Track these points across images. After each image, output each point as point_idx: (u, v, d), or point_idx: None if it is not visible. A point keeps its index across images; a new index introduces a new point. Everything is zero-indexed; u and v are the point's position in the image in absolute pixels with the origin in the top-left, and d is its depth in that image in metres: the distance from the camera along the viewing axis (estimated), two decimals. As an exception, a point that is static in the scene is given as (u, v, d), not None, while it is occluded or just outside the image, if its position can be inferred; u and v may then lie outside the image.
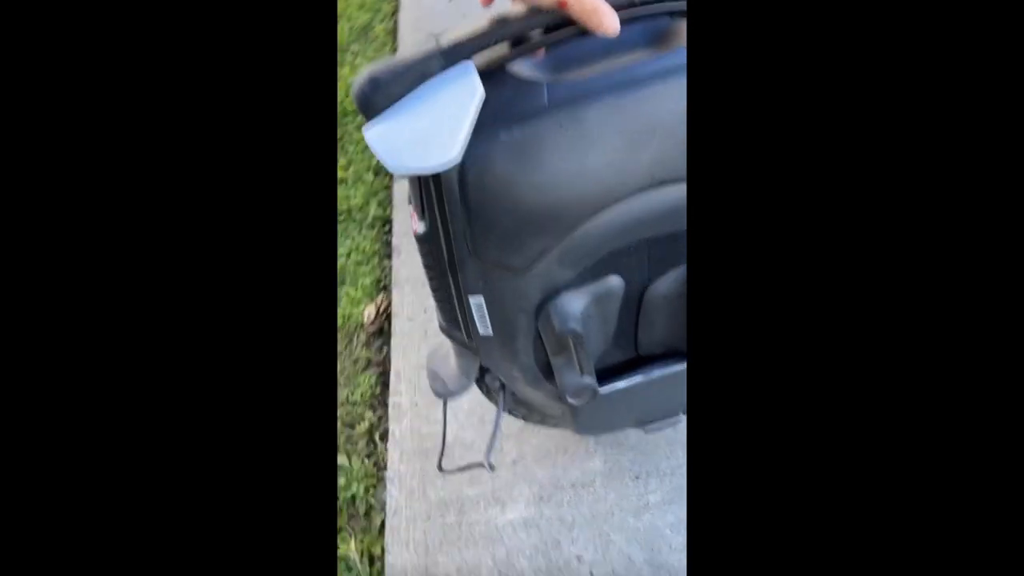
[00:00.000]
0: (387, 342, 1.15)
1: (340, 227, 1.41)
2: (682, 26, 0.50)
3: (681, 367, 0.65)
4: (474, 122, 0.46)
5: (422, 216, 0.53)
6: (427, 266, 0.56)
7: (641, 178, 0.49)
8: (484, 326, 0.59)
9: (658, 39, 0.51)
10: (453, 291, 0.57)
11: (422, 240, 0.54)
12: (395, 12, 2.00)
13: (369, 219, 1.41)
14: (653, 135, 0.48)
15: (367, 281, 1.27)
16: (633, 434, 0.92)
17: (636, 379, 0.65)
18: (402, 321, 1.15)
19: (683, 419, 0.79)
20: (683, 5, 0.49)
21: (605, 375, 0.66)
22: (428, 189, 0.51)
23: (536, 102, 0.48)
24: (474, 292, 0.56)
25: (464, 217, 0.51)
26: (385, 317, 1.20)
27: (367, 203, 1.44)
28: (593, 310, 0.58)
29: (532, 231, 0.51)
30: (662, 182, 0.50)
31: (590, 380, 0.61)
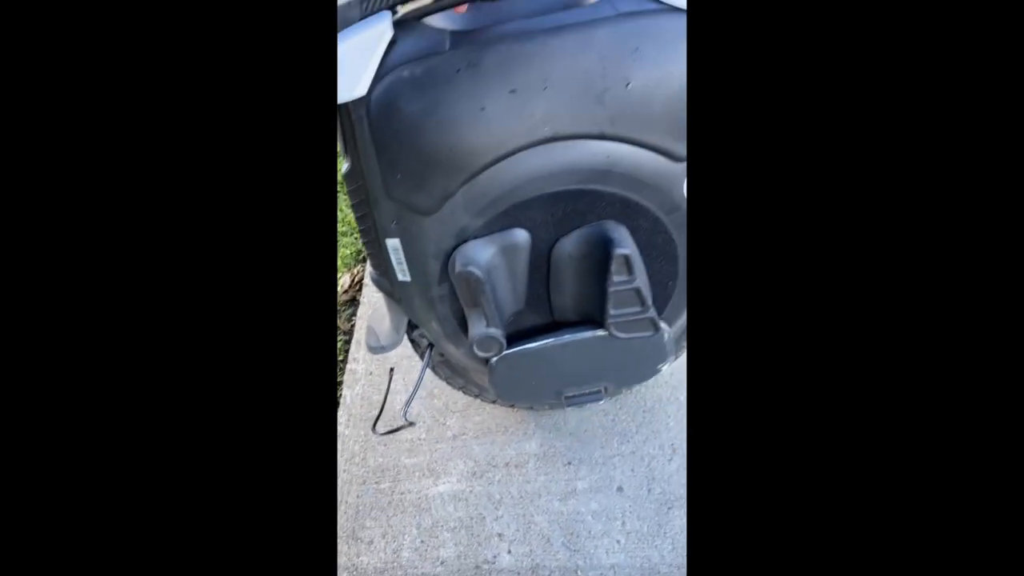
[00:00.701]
0: (356, 311, 1.17)
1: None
2: None
3: (593, 334, 0.64)
4: (379, 61, 0.50)
5: (345, 154, 0.55)
6: (353, 206, 0.58)
7: (536, 130, 0.51)
8: (402, 271, 0.61)
9: (572, 2, 0.52)
10: (374, 234, 0.59)
11: (346, 178, 0.56)
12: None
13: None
14: (545, 87, 0.49)
15: (347, 252, 1.30)
16: (572, 420, 0.92)
17: (547, 342, 0.65)
18: (371, 290, 1.17)
19: (606, 397, 0.78)
20: None
21: (521, 337, 0.66)
22: (345, 127, 0.53)
23: (438, 47, 0.49)
24: (391, 235, 0.58)
25: (374, 154, 0.53)
26: (358, 287, 1.22)
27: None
28: (499, 260, 0.58)
29: (434, 171, 0.52)
30: (557, 136, 0.51)
31: (496, 332, 0.61)
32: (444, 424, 0.96)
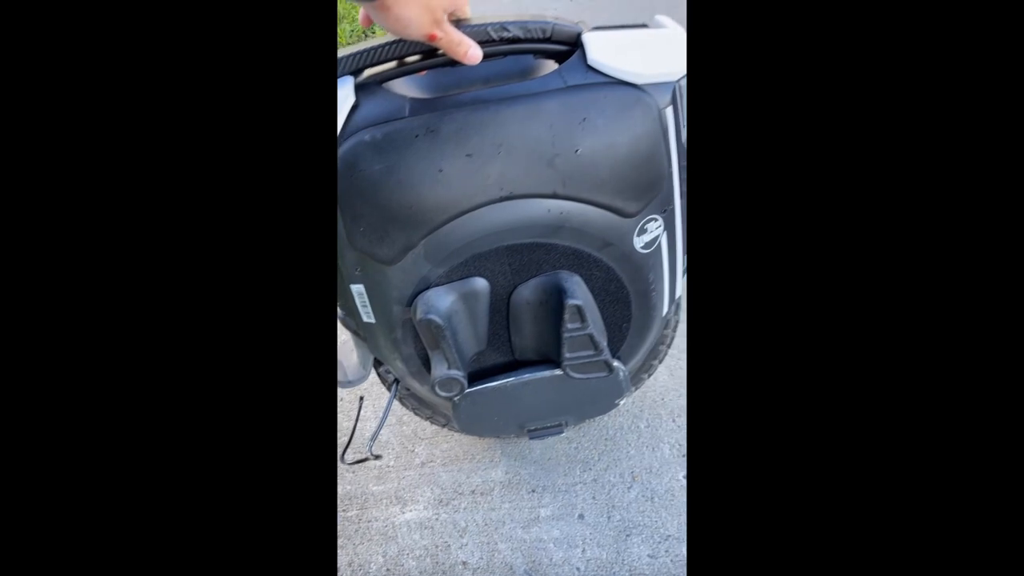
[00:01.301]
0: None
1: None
2: (546, 64, 0.55)
3: (551, 373, 0.67)
4: (342, 124, 0.53)
5: None
6: None
7: (491, 190, 0.54)
8: (367, 314, 0.64)
9: (526, 72, 0.55)
10: (339, 279, 0.61)
11: None
12: (397, 20, 2.06)
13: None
14: (499, 152, 0.52)
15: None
16: (537, 448, 0.94)
17: (507, 380, 0.68)
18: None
19: (568, 429, 0.81)
20: (546, 47, 0.55)
21: (484, 375, 0.69)
22: None
23: (398, 113, 0.52)
24: (355, 281, 0.61)
25: (338, 208, 0.55)
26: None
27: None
28: (459, 306, 0.61)
29: (395, 226, 0.55)
30: (511, 196, 0.54)
31: (457, 373, 0.64)
32: (412, 451, 0.97)
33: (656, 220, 0.60)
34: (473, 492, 0.92)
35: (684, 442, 0.91)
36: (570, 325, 0.61)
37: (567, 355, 0.64)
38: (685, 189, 0.63)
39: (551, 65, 0.55)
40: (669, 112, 0.55)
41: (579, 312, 0.59)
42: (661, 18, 0.58)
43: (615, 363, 0.68)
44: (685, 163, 0.61)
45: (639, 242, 0.61)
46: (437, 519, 0.90)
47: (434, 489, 0.93)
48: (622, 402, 0.77)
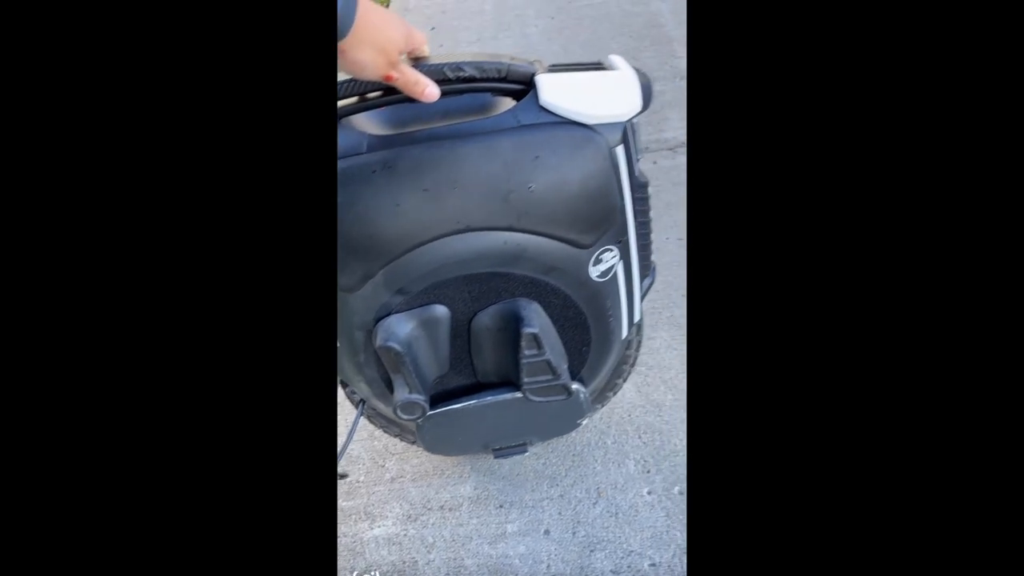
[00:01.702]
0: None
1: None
2: (503, 101, 0.57)
3: (512, 395, 0.69)
4: None
5: None
6: None
7: (448, 223, 0.56)
8: None
9: (483, 108, 0.57)
10: None
11: None
12: (380, 33, 2.08)
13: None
14: (455, 187, 0.54)
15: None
16: (506, 463, 0.96)
17: (469, 403, 0.70)
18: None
19: (533, 448, 0.83)
20: (502, 86, 0.57)
21: (447, 397, 0.71)
22: None
23: (357, 148, 0.54)
24: None
25: None
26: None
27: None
28: (419, 332, 0.63)
29: (355, 256, 0.57)
30: (468, 228, 0.56)
31: (418, 397, 0.65)
32: (383, 467, 0.99)
33: (611, 250, 0.63)
34: (442, 507, 0.93)
35: (649, 458, 0.93)
36: (527, 352, 0.63)
37: (526, 380, 0.66)
38: (640, 220, 0.65)
39: (508, 102, 0.57)
40: (620, 150, 0.57)
41: (535, 339, 0.61)
42: (614, 58, 0.60)
43: (575, 386, 0.70)
44: (639, 196, 0.63)
45: (594, 271, 0.63)
46: (405, 535, 0.91)
47: (403, 505, 0.94)
48: (584, 422, 0.79)
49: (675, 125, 1.46)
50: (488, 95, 0.58)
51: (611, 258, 0.63)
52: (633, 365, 0.86)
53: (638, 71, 0.59)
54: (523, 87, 0.56)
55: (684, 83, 1.55)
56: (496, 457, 0.82)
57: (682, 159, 1.39)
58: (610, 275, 0.65)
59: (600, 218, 0.59)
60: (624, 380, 0.87)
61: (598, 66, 0.61)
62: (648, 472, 0.92)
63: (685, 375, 1.02)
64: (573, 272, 0.61)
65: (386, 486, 0.96)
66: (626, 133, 0.58)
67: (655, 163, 1.39)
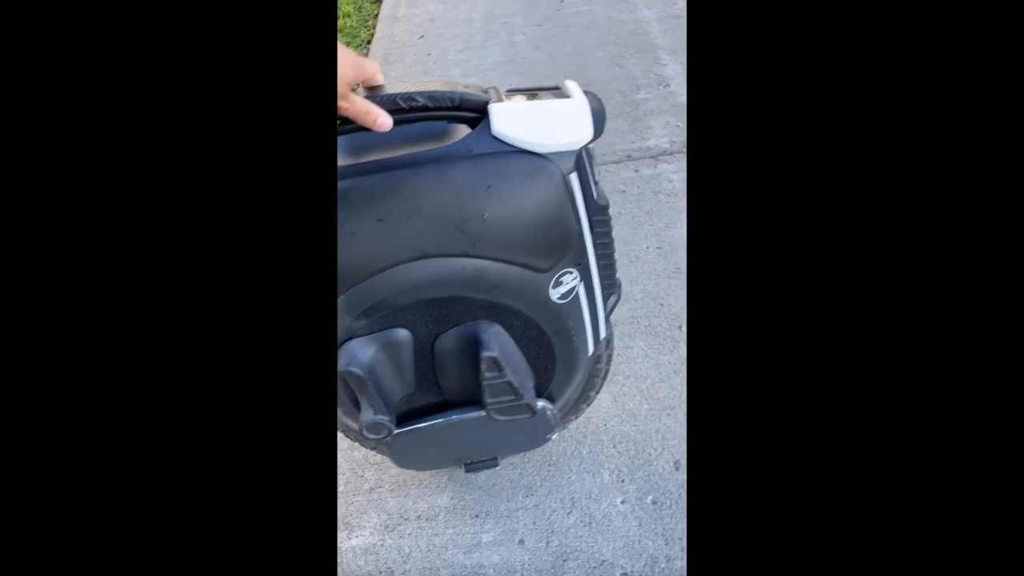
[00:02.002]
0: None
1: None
2: (458, 128, 0.58)
3: (479, 414, 0.70)
4: None
5: None
6: None
7: (404, 251, 0.57)
8: None
9: (440, 135, 0.58)
10: None
11: None
12: (370, 41, 2.10)
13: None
14: (409, 216, 0.55)
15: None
16: (483, 473, 0.97)
17: (436, 422, 0.71)
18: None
19: (510, 458, 0.84)
20: (456, 114, 0.58)
21: (414, 415, 0.72)
22: None
23: None
24: None
25: None
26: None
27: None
28: (382, 355, 0.64)
29: None
30: (424, 255, 0.57)
31: (382, 419, 0.67)
32: (362, 476, 1.00)
33: (571, 272, 0.64)
34: (419, 517, 0.94)
35: (623, 468, 0.94)
36: (488, 374, 0.64)
37: (489, 400, 0.67)
38: (600, 242, 0.66)
39: (464, 129, 0.58)
40: (574, 177, 0.58)
41: (494, 363, 0.62)
42: (569, 84, 0.61)
43: (540, 404, 0.71)
44: (599, 218, 0.64)
45: (555, 293, 0.64)
46: (382, 545, 0.92)
47: (381, 515, 0.95)
48: (554, 436, 0.80)
49: (658, 134, 1.47)
50: (444, 123, 0.59)
51: (571, 280, 0.64)
52: (605, 378, 0.87)
53: (591, 95, 0.60)
54: (478, 115, 0.57)
55: (668, 91, 1.57)
56: (467, 471, 0.83)
57: (664, 167, 1.40)
58: (571, 296, 0.66)
59: (556, 243, 0.60)
60: (597, 392, 0.88)
61: (555, 89, 0.62)
62: (622, 482, 0.93)
63: (661, 384, 1.03)
64: (533, 295, 0.62)
65: (364, 496, 0.98)
66: (580, 159, 0.59)
67: (636, 171, 1.40)
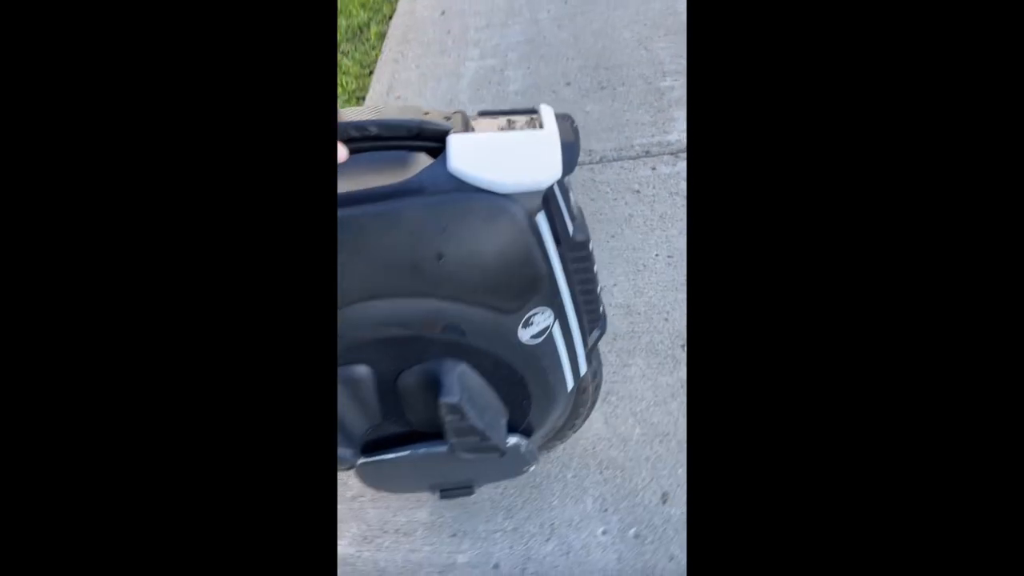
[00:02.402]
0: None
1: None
2: (419, 159, 0.53)
3: (446, 447, 0.67)
4: None
5: None
6: None
7: (355, 291, 0.54)
8: None
9: (397, 168, 0.54)
10: None
11: None
12: (392, 17, 2.02)
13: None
14: (358, 255, 0.51)
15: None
16: (463, 492, 0.95)
17: (402, 454, 0.68)
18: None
19: (479, 489, 0.81)
20: (414, 144, 0.53)
21: (383, 443, 0.70)
22: None
23: None
24: None
25: None
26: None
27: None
28: (343, 390, 0.61)
29: None
30: (377, 295, 0.53)
31: (344, 451, 0.65)
32: (345, 484, 0.99)
33: (543, 312, 0.59)
34: (397, 531, 0.93)
35: (608, 496, 0.91)
36: (449, 418, 0.60)
37: (454, 440, 0.64)
38: (581, 278, 0.61)
39: (424, 160, 0.53)
40: (541, 217, 0.53)
41: (454, 408, 0.59)
42: (543, 110, 0.55)
43: (513, 440, 0.68)
44: (577, 255, 0.59)
45: (525, 334, 0.60)
46: (359, 557, 0.92)
47: (360, 525, 0.95)
48: (532, 468, 0.77)
49: (681, 127, 1.37)
50: (404, 152, 0.54)
51: (544, 320, 0.60)
52: (593, 405, 0.83)
53: (566, 122, 0.54)
54: (439, 145, 0.52)
55: (696, 79, 1.46)
56: (442, 498, 0.81)
57: (684, 165, 1.31)
58: (545, 336, 0.61)
59: (523, 286, 0.56)
60: (584, 419, 0.84)
61: (531, 113, 0.56)
62: (605, 511, 0.90)
63: (656, 408, 0.98)
64: (500, 336, 0.58)
65: (346, 504, 0.97)
66: (550, 196, 0.54)
67: (654, 169, 1.31)
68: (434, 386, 0.61)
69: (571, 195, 0.58)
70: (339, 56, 1.94)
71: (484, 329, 0.58)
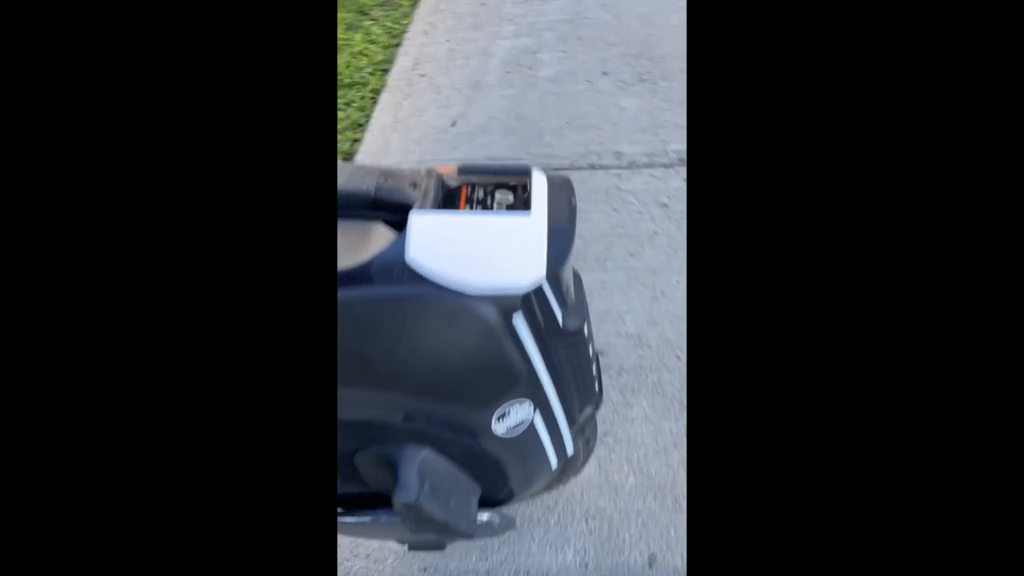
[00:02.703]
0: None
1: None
2: (375, 230, 0.45)
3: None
4: None
5: None
6: None
7: None
8: None
9: (354, 243, 0.46)
10: None
11: None
12: (427, -20, 1.90)
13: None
14: None
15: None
16: (440, 525, 0.90)
17: (364, 520, 0.63)
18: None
19: (448, 546, 0.76)
20: (372, 213, 0.46)
21: (346, 503, 0.65)
22: None
23: None
24: None
25: None
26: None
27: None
28: None
29: None
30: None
31: None
32: (322, 499, 0.96)
33: (520, 403, 0.51)
34: (367, 557, 0.90)
35: (591, 549, 0.85)
36: (405, 514, 0.54)
37: (412, 536, 0.58)
38: (572, 364, 0.53)
39: (381, 234, 0.45)
40: (519, 318, 0.45)
41: (411, 507, 0.52)
42: (536, 180, 0.45)
43: (486, 516, 0.62)
44: (568, 342, 0.51)
45: (500, 427, 0.52)
46: (327, 579, 0.89)
47: (341, 548, 0.91)
48: (509, 533, 0.71)
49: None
50: (363, 222, 0.46)
51: (522, 411, 0.52)
52: (584, 463, 0.76)
53: (562, 192, 0.45)
54: (401, 217, 0.44)
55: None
56: (410, 550, 0.76)
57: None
58: (524, 427, 0.54)
59: (495, 387, 0.48)
60: (577, 474, 0.77)
61: (521, 176, 0.47)
62: (586, 566, 0.84)
63: (655, 458, 0.90)
64: (470, 428, 0.51)
65: (321, 520, 0.94)
66: (530, 296, 0.45)
67: (686, 180, 1.19)
68: (393, 470, 0.55)
69: (564, 273, 0.48)
70: (368, 23, 1.84)
71: (451, 422, 0.51)
